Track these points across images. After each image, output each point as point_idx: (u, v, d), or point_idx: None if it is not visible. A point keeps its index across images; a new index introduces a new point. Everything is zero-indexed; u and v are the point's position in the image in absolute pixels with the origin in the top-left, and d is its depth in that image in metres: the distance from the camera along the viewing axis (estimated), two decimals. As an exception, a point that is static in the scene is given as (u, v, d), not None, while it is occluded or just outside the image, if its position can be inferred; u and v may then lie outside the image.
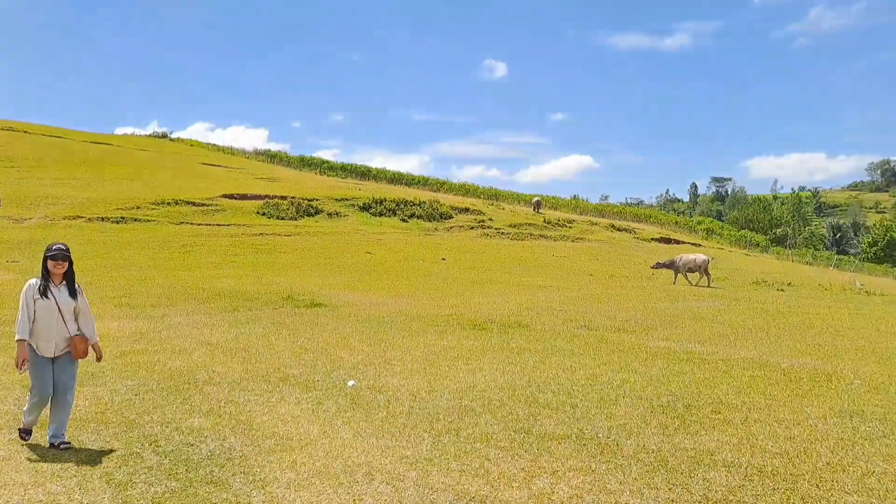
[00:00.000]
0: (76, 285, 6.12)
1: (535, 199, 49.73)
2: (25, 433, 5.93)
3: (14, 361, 5.87)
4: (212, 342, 10.63)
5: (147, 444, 5.82)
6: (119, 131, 77.40)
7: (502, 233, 39.05)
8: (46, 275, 5.98)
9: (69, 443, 5.78)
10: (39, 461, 5.44)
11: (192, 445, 5.81)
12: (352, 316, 14.12)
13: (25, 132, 56.88)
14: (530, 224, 41.68)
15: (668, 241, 44.98)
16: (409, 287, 20.82)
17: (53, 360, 5.88)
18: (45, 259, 5.97)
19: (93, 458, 5.51)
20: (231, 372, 8.50)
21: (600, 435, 6.09)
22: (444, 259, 30.08)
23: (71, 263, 6.07)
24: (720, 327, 13.57)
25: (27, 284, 5.97)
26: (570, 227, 42.63)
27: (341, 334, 11.56)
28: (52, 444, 5.74)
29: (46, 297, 5.88)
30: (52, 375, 5.84)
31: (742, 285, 25.37)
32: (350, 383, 7.88)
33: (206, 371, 8.52)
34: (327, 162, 70.07)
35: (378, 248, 32.21)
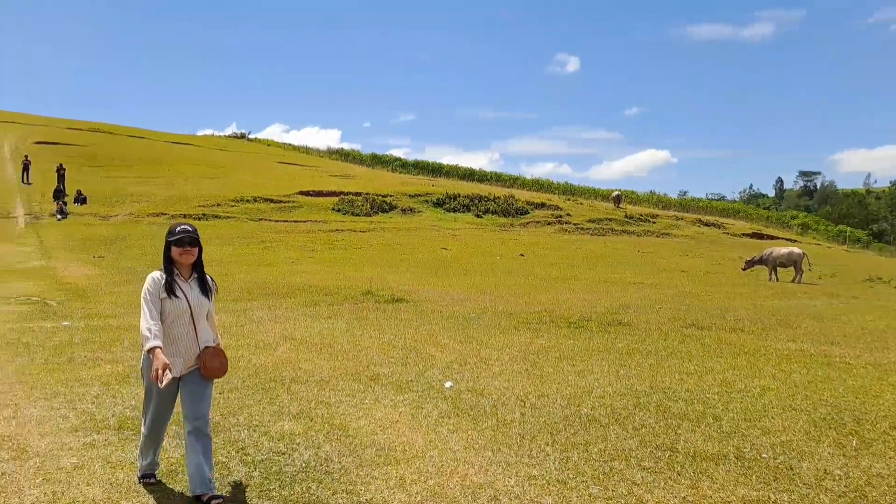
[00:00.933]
0: (208, 279, 4.75)
1: (615, 193, 47.95)
2: (149, 476, 4.64)
3: (147, 373, 4.51)
4: (296, 337, 10.01)
5: (234, 452, 5.14)
6: (199, 133, 79.55)
7: (581, 228, 37.66)
8: (170, 266, 4.56)
9: (222, 496, 4.34)
10: (115, 470, 4.81)
11: (284, 454, 5.08)
12: (436, 312, 13.34)
13: (111, 133, 58.96)
14: (611, 219, 40.08)
15: (759, 236, 42.49)
16: (490, 283, 19.94)
17: (178, 380, 4.50)
18: (168, 245, 4.52)
19: (173, 467, 4.85)
20: (318, 369, 7.80)
21: (764, 455, 5.03)
22: (522, 255, 29.05)
23: (201, 250, 4.64)
24: (848, 328, 12.09)
25: (150, 278, 4.55)
26: (654, 223, 40.78)
27: (429, 331, 10.78)
28: (197, 497, 4.31)
29: (175, 295, 4.50)
30: (174, 401, 4.54)
31: (853, 283, 23.31)
32: (448, 385, 7.04)
33: (293, 368, 7.85)
34: (399, 159, 69.99)
35: (453, 243, 31.46)
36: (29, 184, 36.13)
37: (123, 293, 16.01)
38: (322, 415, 5.95)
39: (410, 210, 38.23)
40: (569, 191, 58.00)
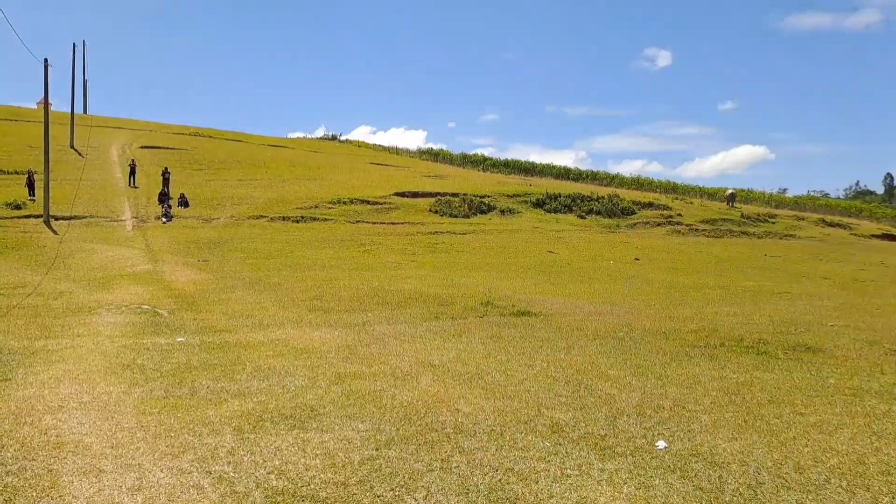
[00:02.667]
0: None
1: (729, 191, 44.72)
2: None
3: None
4: (434, 363, 8.68)
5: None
6: (291, 136, 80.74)
7: (695, 229, 35.08)
8: None
9: None
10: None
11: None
12: (574, 328, 11.77)
13: (210, 137, 60.29)
14: (726, 219, 37.25)
15: (891, 237, 38.54)
16: (614, 291, 18.16)
17: None
18: None
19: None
20: (481, 413, 6.40)
21: None
22: (637, 259, 27.01)
23: None
24: None
25: None
26: (774, 223, 37.64)
27: (583, 356, 9.22)
28: None
29: None
30: None
31: None
32: (660, 445, 5.48)
33: (450, 410, 6.48)
34: (490, 158, 68.60)
35: (560, 246, 29.74)
36: (135, 187, 36.84)
37: (232, 301, 15.26)
38: (522, 495, 4.50)
39: (510, 211, 36.71)
40: (671, 189, 54.95)
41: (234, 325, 12.04)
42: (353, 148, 70.68)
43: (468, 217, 35.08)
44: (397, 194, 37.64)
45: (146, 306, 14.35)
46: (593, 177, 60.08)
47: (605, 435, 5.75)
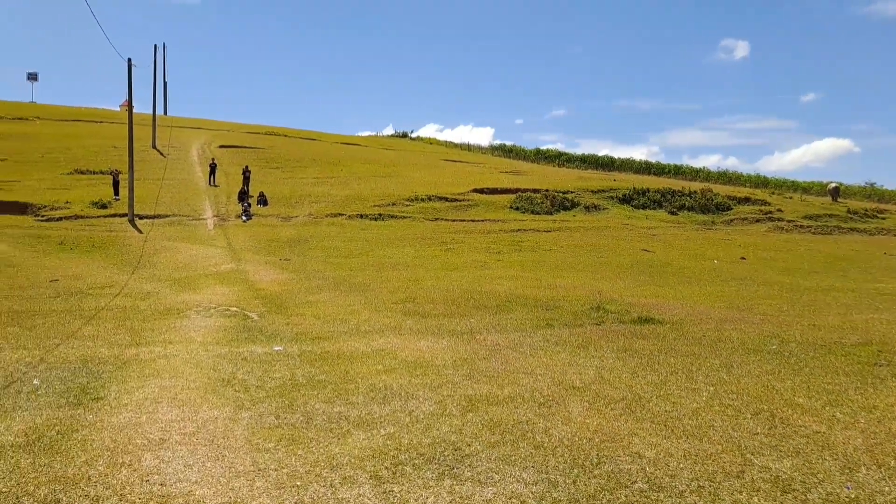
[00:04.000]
0: None
1: (832, 185, 41.53)
2: None
3: None
4: (575, 384, 7.38)
5: None
6: (360, 134, 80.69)
7: (799, 226, 32.51)
8: None
9: None
10: None
11: None
12: (715, 340, 10.28)
13: (285, 136, 60.54)
14: (831, 215, 34.44)
15: None
16: (732, 294, 16.43)
17: None
18: None
19: None
20: (670, 459, 5.07)
21: None
22: (743, 258, 24.96)
23: None
24: None
25: None
26: (884, 218, 34.59)
27: (750, 376, 7.75)
28: None
29: None
30: None
31: None
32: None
33: (627, 453, 5.18)
34: (565, 153, 66.49)
35: (655, 244, 27.89)
36: (215, 186, 36.89)
37: (321, 303, 14.36)
38: None
39: (595, 207, 34.95)
40: (762, 183, 51.79)
41: (330, 331, 11.06)
42: (425, 145, 69.91)
43: (551, 214, 33.53)
44: (475, 191, 36.41)
45: (234, 308, 13.60)
46: (676, 171, 57.29)
47: (857, 498, 4.33)
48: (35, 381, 7.22)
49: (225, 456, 4.92)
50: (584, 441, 5.46)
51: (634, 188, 37.38)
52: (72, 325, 11.51)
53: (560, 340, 10.23)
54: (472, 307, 13.94)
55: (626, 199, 36.10)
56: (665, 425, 5.92)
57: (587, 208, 34.84)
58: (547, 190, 36.18)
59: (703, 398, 6.79)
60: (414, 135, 77.77)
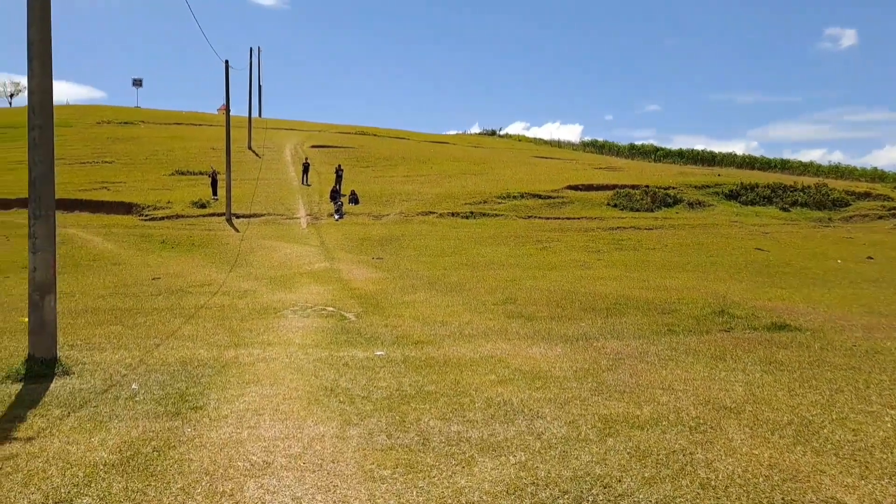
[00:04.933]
0: None
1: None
2: None
3: None
4: (726, 403, 6.34)
5: None
6: (447, 133, 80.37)
7: (931, 223, 29.55)
8: None
9: None
10: None
11: None
12: (871, 351, 8.95)
13: (374, 135, 61.00)
14: (968, 211, 31.17)
15: None
16: (869, 298, 14.70)
17: None
18: None
19: None
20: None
21: None
22: (870, 258, 22.72)
23: None
24: None
25: None
26: None
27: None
28: None
29: None
30: None
31: None
32: None
33: (822, 501, 4.14)
34: (662, 148, 63.76)
35: (767, 243, 25.90)
36: (308, 185, 37.27)
37: (418, 303, 13.74)
38: None
39: (699, 203, 33.00)
40: (878, 177, 47.80)
41: (432, 334, 10.37)
42: (514, 142, 68.86)
43: (652, 211, 31.88)
44: (570, 187, 35.16)
45: (331, 308, 13.18)
46: (783, 165, 53.73)
47: None
48: (133, 386, 6.84)
49: (336, 486, 4.24)
50: (760, 479, 4.46)
51: (741, 183, 35.10)
52: (172, 324, 11.34)
53: (689, 349, 9.13)
54: (580, 309, 12.97)
55: (732, 195, 33.93)
56: (855, 460, 4.83)
57: (691, 205, 32.94)
58: (646, 186, 34.48)
59: (889, 425, 5.62)
60: (501, 132, 76.76)
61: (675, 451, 5.01)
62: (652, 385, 7.06)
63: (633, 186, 34.79)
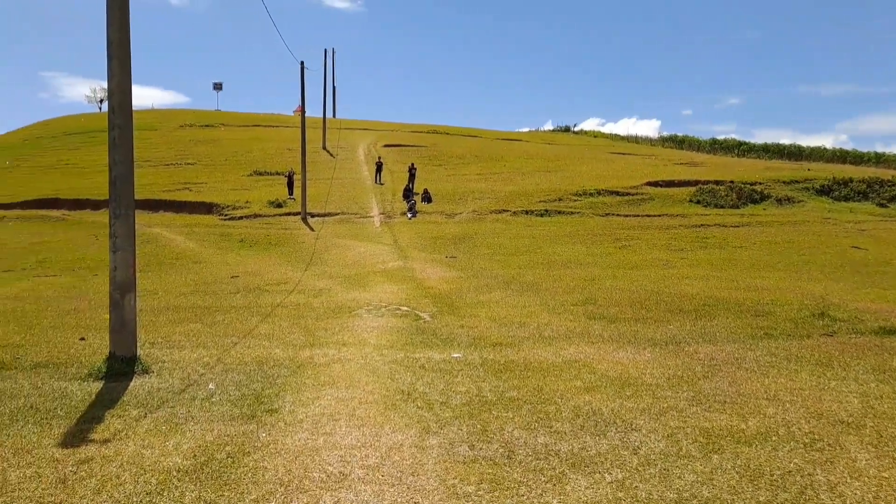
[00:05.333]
0: None
1: None
2: None
3: None
4: (841, 417, 5.69)
5: None
6: (519, 130, 79.47)
7: None
8: None
9: None
10: None
11: None
12: None
13: (447, 133, 60.90)
14: None
15: None
16: None
17: None
18: None
19: None
20: None
21: None
22: None
23: None
24: None
25: None
26: None
27: None
28: None
29: None
30: None
31: None
32: None
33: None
34: (745, 143, 61.09)
35: (865, 241, 24.21)
36: (381, 184, 37.44)
37: (494, 303, 13.36)
38: None
39: (788, 200, 31.25)
40: None
41: (510, 336, 9.97)
42: (588, 138, 67.44)
43: (737, 207, 30.39)
44: (649, 184, 33.95)
45: (405, 308, 12.96)
46: (878, 159, 50.46)
47: None
48: (210, 386, 6.75)
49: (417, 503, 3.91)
50: (901, 512, 3.87)
51: (834, 178, 33.05)
52: (249, 323, 11.37)
53: (791, 355, 8.40)
54: (666, 311, 12.30)
55: (824, 191, 31.98)
56: None
57: (779, 201, 31.23)
58: (731, 182, 32.93)
59: None
60: (576, 129, 75.35)
61: (790, 472, 4.45)
62: (755, 395, 6.44)
63: (716, 182, 33.29)
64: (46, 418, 5.57)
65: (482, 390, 6.62)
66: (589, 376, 7.29)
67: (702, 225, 27.60)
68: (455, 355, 8.48)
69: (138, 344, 7.90)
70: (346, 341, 9.58)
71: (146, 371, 7.37)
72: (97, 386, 6.79)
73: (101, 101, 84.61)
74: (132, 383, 6.88)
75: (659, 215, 29.60)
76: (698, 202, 31.11)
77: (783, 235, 25.38)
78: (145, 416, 5.56)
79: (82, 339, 9.79)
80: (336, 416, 5.59)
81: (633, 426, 5.45)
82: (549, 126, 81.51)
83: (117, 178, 7.30)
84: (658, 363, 7.97)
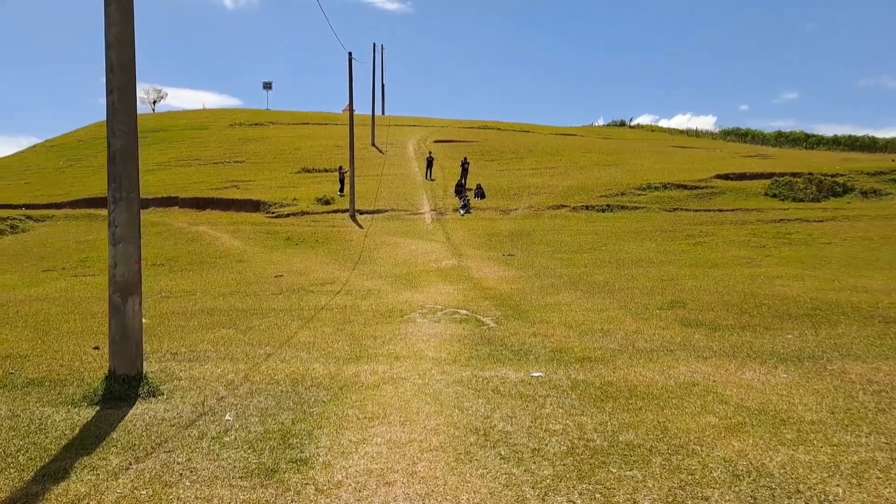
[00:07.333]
0: None
1: None
2: None
3: None
4: None
5: None
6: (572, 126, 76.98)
7: None
8: None
9: None
10: None
11: None
12: None
13: (498, 129, 59.06)
14: None
15: None
16: None
17: None
18: None
19: None
20: None
21: None
22: None
23: None
24: None
25: None
26: None
27: None
28: None
29: None
30: None
31: None
32: None
33: None
34: (813, 135, 57.56)
35: (975, 236, 21.54)
36: (432, 180, 35.93)
37: (564, 306, 11.59)
38: None
39: (874, 192, 28.52)
40: None
41: (596, 347, 8.21)
42: (646, 133, 64.64)
43: (818, 201, 27.85)
44: (718, 177, 31.58)
45: (464, 311, 11.33)
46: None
47: None
48: (227, 417, 5.22)
49: None
50: None
51: (926, 168, 30.12)
52: (288, 329, 9.90)
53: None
54: (772, 316, 10.37)
55: (916, 182, 29.10)
56: None
57: (864, 193, 28.53)
58: (809, 173, 30.31)
59: None
60: (634, 122, 72.60)
61: None
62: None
63: (792, 174, 30.70)
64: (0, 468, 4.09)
65: (584, 429, 4.90)
66: (721, 408, 5.50)
67: (781, 219, 25.21)
68: (535, 374, 6.78)
69: (148, 358, 6.46)
70: (399, 353, 7.98)
71: (153, 393, 5.90)
72: (88, 414, 5.34)
73: (154, 102, 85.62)
74: (131, 411, 5.40)
75: (732, 210, 27.27)
76: (774, 195, 28.64)
77: (876, 230, 22.83)
78: (127, 469, 4.03)
79: (96, 347, 8.45)
80: (389, 476, 3.95)
81: (829, 497, 3.66)
82: (600, 122, 78.71)
83: (117, 152, 5.83)
84: (803, 388, 6.12)
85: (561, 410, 5.41)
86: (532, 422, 5.08)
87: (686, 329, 9.47)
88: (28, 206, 34.58)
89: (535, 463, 4.20)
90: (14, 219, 31.36)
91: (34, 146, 62.86)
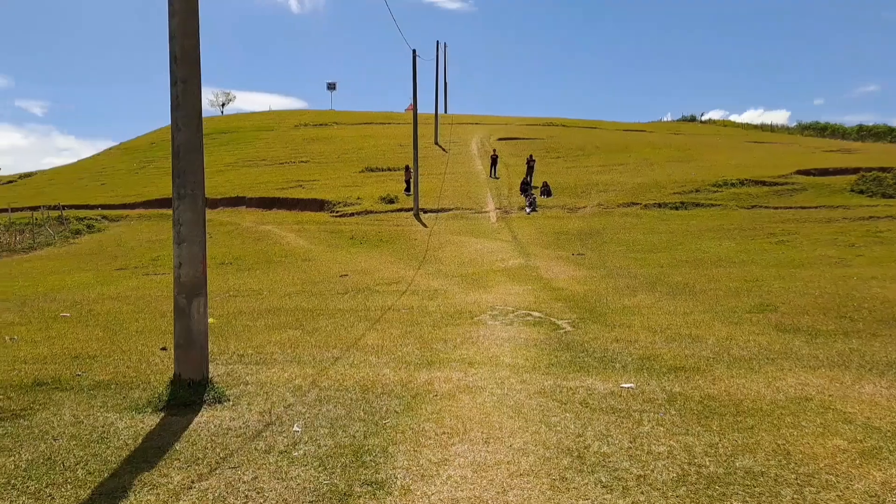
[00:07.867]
0: None
1: None
2: None
3: None
4: None
5: None
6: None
7: None
8: None
9: None
10: None
11: None
12: None
13: (563, 126, 57.89)
14: None
15: None
16: None
17: None
18: None
19: None
20: None
21: None
22: None
23: None
24: None
25: None
26: None
27: None
28: None
29: None
30: None
31: None
32: None
33: None
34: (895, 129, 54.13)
35: None
36: (496, 178, 35.36)
37: (645, 310, 10.87)
38: None
39: (977, 187, 26.42)
40: None
41: (688, 355, 7.54)
42: (718, 128, 62.20)
43: (912, 197, 25.96)
44: (800, 172, 29.89)
45: (537, 313, 10.78)
46: None
47: None
48: (296, 428, 4.86)
49: None
50: None
51: None
52: (355, 330, 9.56)
53: None
54: (876, 322, 9.47)
55: None
56: None
57: (965, 189, 26.43)
58: (902, 167, 28.34)
59: None
60: (705, 117, 70.09)
61: None
62: None
63: (881, 169, 28.77)
64: (55, 483, 3.82)
65: (693, 452, 4.31)
66: (847, 428, 4.81)
67: (870, 217, 23.56)
68: (625, 385, 6.19)
69: (214, 360, 6.18)
70: (473, 359, 7.50)
71: (219, 399, 5.61)
72: (152, 421, 5.07)
73: (223, 104, 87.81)
74: (196, 419, 5.10)
75: (816, 207, 25.70)
76: (861, 192, 26.86)
77: (983, 229, 21.06)
78: (189, 489, 3.69)
79: (163, 348, 8.28)
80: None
81: None
82: (669, 117, 76.28)
83: (181, 147, 5.55)
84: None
85: (661, 429, 4.82)
86: (631, 442, 4.51)
87: (783, 335, 8.69)
88: (104, 207, 35.72)
89: (642, 493, 3.65)
90: (91, 219, 32.40)
91: (110, 149, 65.20)
